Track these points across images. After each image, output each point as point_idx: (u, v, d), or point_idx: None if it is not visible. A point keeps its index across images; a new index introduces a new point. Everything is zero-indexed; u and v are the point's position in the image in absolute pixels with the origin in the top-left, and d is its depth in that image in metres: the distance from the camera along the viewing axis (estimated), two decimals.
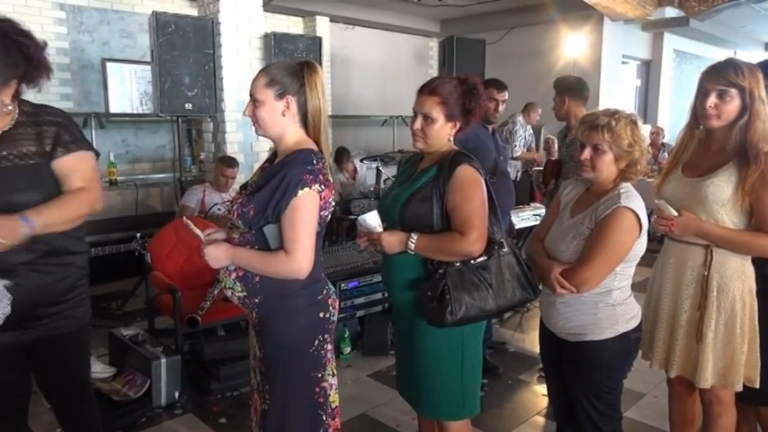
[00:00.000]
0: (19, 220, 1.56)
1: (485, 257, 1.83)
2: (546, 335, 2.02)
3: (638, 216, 1.74)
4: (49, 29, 5.38)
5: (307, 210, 1.62)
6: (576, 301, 1.83)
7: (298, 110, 1.70)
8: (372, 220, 1.87)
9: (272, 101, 1.67)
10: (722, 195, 1.89)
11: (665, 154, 7.07)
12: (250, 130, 4.83)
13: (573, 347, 1.88)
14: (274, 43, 4.54)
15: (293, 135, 1.72)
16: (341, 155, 6.35)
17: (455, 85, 1.87)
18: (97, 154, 1.87)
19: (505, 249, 1.88)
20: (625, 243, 1.75)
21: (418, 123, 1.88)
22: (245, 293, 1.71)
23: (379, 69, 8.41)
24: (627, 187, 1.81)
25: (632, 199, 1.76)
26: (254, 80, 1.70)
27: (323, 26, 7.59)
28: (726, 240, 1.91)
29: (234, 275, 1.71)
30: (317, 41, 4.85)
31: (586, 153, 1.81)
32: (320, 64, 4.76)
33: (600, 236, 1.75)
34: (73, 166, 1.74)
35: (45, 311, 1.76)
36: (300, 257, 1.62)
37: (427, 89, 1.88)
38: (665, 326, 2.07)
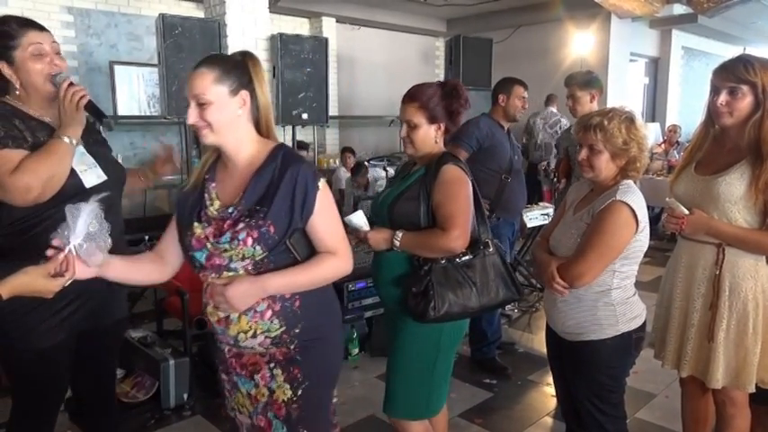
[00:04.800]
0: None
1: (470, 256, 1.89)
2: (550, 334, 2.02)
3: (634, 211, 1.73)
4: (56, 32, 5.37)
5: (332, 201, 1.53)
6: (575, 299, 1.83)
7: (251, 107, 1.49)
8: (358, 219, 1.93)
9: (227, 98, 1.43)
10: (734, 193, 1.86)
11: (675, 153, 7.00)
12: None
13: (573, 347, 1.88)
14: (281, 44, 4.53)
15: (252, 137, 1.52)
16: (359, 168, 6.42)
17: (434, 89, 1.94)
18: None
19: (491, 249, 1.93)
20: (620, 237, 1.74)
21: (404, 131, 1.97)
22: (284, 328, 1.49)
23: (386, 69, 8.41)
24: (627, 184, 1.80)
25: (629, 194, 1.75)
26: (196, 78, 1.43)
27: (329, 27, 7.60)
28: (737, 239, 1.88)
29: (269, 314, 1.47)
30: (324, 42, 4.84)
31: (583, 153, 1.83)
32: (326, 65, 4.77)
33: (594, 229, 1.75)
34: None
35: (115, 297, 1.90)
36: (349, 255, 1.53)
37: (407, 97, 1.96)
38: (677, 325, 2.05)
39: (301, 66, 4.63)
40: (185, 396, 2.97)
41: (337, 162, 7.17)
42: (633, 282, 1.88)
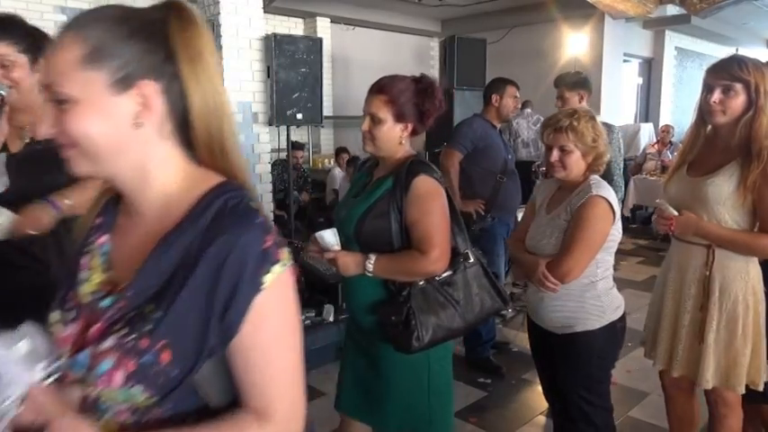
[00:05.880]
0: (46, 206, 1.61)
1: (450, 272, 1.74)
2: (535, 332, 2.06)
3: (610, 203, 1.82)
4: (50, 32, 5.38)
5: (290, 313, 0.81)
6: (563, 293, 1.88)
7: (170, 110, 0.80)
8: (330, 237, 1.73)
9: (105, 96, 0.75)
10: (722, 194, 1.87)
11: (669, 153, 7.03)
12: (251, 131, 4.88)
13: (563, 339, 1.92)
14: (275, 44, 4.53)
15: (173, 167, 0.82)
16: (353, 162, 6.39)
17: (407, 84, 1.75)
18: None
19: (471, 260, 1.78)
20: (602, 229, 1.83)
21: (366, 124, 1.76)
22: None
23: (381, 70, 8.28)
24: (596, 179, 1.90)
25: (603, 188, 1.85)
26: (54, 52, 0.76)
27: (324, 27, 7.60)
28: (726, 240, 1.89)
29: None
30: (318, 42, 4.84)
31: (555, 155, 1.88)
32: (321, 65, 4.75)
33: (577, 225, 1.82)
34: None
35: None
36: (294, 423, 0.82)
37: (375, 87, 1.76)
38: (668, 325, 2.06)
39: (296, 66, 4.63)
40: None
41: (332, 162, 7.17)
42: (612, 273, 1.96)
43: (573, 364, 1.92)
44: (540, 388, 3.19)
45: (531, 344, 2.14)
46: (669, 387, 2.18)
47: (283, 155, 5.44)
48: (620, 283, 5.02)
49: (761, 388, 1.94)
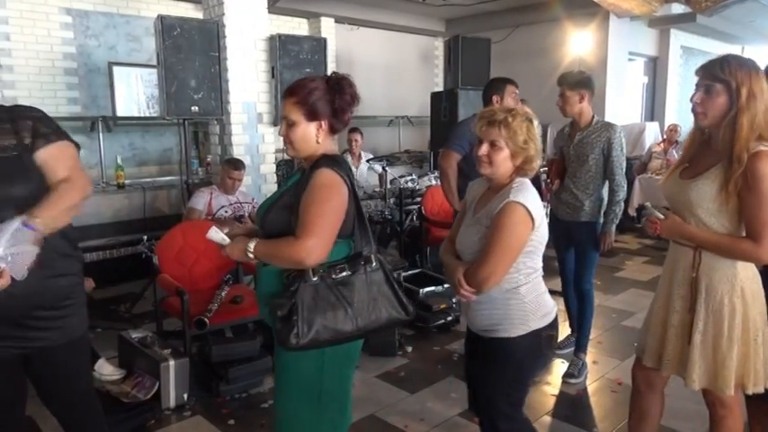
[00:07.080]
0: (22, 227, 1.54)
1: (348, 272, 1.69)
2: (468, 334, 2.05)
3: (527, 209, 1.76)
4: (55, 33, 5.42)
5: None
6: (487, 298, 1.85)
7: None
8: (214, 235, 1.75)
9: None
10: (704, 198, 1.84)
11: (674, 152, 7.00)
12: (256, 131, 4.87)
13: (485, 343, 1.90)
14: (279, 45, 4.54)
15: None
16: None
17: (317, 84, 1.75)
18: (77, 146, 1.80)
19: (373, 265, 1.74)
20: (518, 236, 1.76)
21: (282, 129, 1.77)
22: None
23: (385, 70, 8.41)
24: (520, 182, 1.83)
25: (522, 192, 1.78)
26: None
27: (328, 27, 7.60)
28: (710, 244, 1.86)
29: None
30: (322, 42, 4.85)
31: (484, 149, 1.84)
32: (325, 65, 4.77)
33: (493, 233, 1.78)
34: (55, 156, 1.70)
35: (32, 322, 1.73)
36: None
37: (286, 91, 1.77)
38: (658, 323, 2.05)
39: (300, 66, 4.64)
40: (185, 396, 2.98)
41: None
42: (540, 276, 1.90)
43: (490, 367, 1.90)
44: (544, 388, 3.21)
45: (465, 346, 2.12)
46: (640, 383, 2.16)
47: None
48: (625, 283, 5.07)
49: (749, 392, 1.90)
